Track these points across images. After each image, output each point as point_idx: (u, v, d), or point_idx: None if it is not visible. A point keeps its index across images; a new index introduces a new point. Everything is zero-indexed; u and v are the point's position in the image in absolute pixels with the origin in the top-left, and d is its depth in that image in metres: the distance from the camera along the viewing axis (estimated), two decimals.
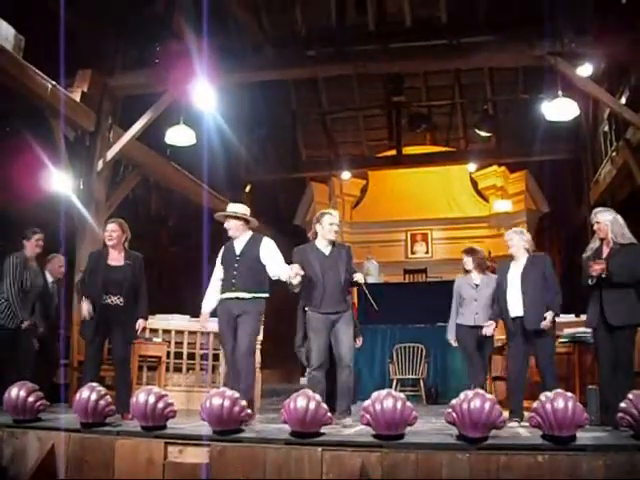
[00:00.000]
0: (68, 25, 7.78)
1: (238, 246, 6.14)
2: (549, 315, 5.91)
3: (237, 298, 5.91)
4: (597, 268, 5.50)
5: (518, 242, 6.27)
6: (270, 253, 6.07)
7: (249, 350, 5.85)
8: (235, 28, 12.01)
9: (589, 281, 5.64)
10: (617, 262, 5.53)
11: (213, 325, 7.37)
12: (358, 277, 6.08)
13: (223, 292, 6.03)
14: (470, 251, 7.23)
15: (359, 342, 6.71)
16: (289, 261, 5.98)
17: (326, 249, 6.13)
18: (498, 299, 6.38)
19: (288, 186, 16.66)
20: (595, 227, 5.85)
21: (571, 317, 7.58)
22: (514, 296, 6.14)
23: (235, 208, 6.28)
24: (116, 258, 6.27)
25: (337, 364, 5.92)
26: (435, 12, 12.15)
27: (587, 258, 5.78)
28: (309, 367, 6.03)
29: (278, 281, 6.08)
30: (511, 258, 6.37)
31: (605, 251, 5.73)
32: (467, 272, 7.20)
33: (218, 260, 6.22)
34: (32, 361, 6.76)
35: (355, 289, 6.69)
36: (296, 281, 5.80)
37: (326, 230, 6.10)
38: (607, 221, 5.75)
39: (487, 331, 6.40)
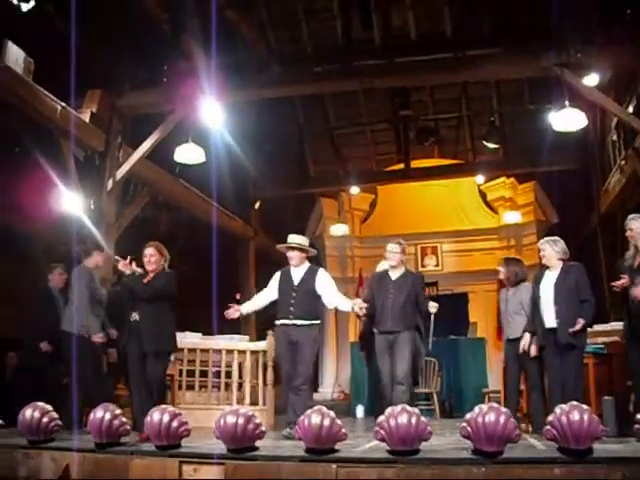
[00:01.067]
0: (77, 47, 7.83)
1: (296, 275, 6.53)
2: (580, 321, 5.80)
3: (294, 325, 6.31)
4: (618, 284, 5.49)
5: (550, 252, 6.18)
6: (326, 285, 6.51)
7: (310, 374, 6.45)
8: (242, 46, 12.08)
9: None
10: None
11: (225, 342, 7.41)
12: (432, 308, 6.53)
13: (280, 318, 6.42)
14: (504, 261, 7.05)
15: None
16: None
17: (393, 275, 6.66)
18: (532, 310, 6.26)
19: (297, 202, 16.67)
20: (627, 234, 5.82)
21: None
22: (547, 307, 6.04)
23: (298, 240, 6.68)
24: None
25: (393, 381, 6.38)
26: (440, 26, 12.19)
27: (627, 267, 5.74)
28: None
29: None
30: (545, 267, 6.28)
31: (638, 259, 5.69)
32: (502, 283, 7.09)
33: (274, 282, 6.61)
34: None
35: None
36: (361, 313, 6.44)
37: (386, 257, 6.76)
38: (639, 229, 5.72)
39: (524, 346, 6.28)
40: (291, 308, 6.35)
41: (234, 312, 6.57)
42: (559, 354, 5.91)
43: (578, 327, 5.79)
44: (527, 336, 6.25)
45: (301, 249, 6.58)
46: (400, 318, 6.48)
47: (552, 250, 6.17)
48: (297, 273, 6.54)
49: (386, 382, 6.46)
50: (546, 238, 6.44)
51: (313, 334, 6.36)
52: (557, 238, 6.32)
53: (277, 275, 6.68)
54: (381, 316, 6.54)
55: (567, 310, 5.90)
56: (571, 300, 5.93)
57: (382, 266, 7.09)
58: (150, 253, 6.27)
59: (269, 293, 6.65)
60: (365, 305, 6.37)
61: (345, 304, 6.50)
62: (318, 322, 6.44)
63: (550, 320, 6.00)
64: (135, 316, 6.07)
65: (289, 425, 6.04)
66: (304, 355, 6.27)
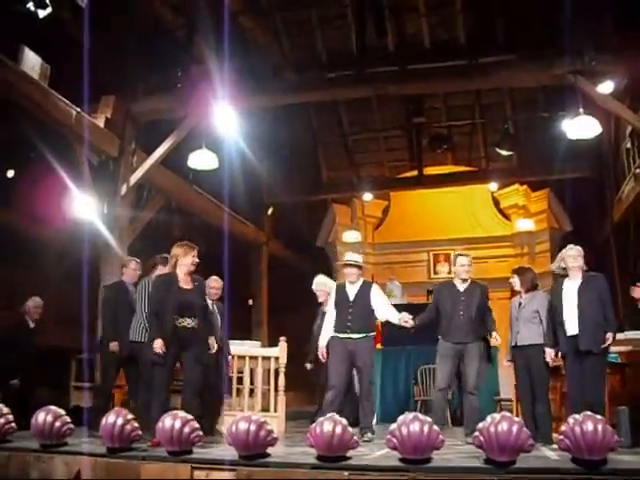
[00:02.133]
0: (92, 53, 7.90)
1: (351, 291, 6.83)
2: (609, 336, 5.80)
3: (350, 338, 6.63)
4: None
5: (573, 261, 6.14)
6: (379, 299, 6.87)
7: (369, 382, 6.70)
8: (256, 52, 12.13)
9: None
10: None
11: (237, 348, 7.40)
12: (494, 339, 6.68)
13: (337, 332, 6.73)
14: (516, 271, 6.95)
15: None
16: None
17: (461, 286, 6.74)
18: (552, 318, 6.20)
19: (310, 208, 16.69)
20: None
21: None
22: (570, 314, 6.00)
23: (355, 257, 7.01)
24: (186, 281, 6.12)
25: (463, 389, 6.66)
26: (454, 33, 12.21)
27: None
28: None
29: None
30: (563, 276, 6.25)
31: None
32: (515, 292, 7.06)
33: (331, 302, 6.92)
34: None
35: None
36: (409, 325, 6.68)
37: (458, 270, 6.82)
38: None
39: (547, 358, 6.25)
40: (348, 323, 6.68)
41: (323, 355, 6.87)
42: (580, 361, 5.89)
43: (608, 343, 5.82)
44: (549, 350, 6.22)
45: (359, 266, 6.89)
46: (471, 329, 6.59)
47: (575, 259, 6.16)
48: (352, 289, 6.85)
49: (442, 387, 6.62)
50: (570, 246, 6.35)
51: (370, 344, 6.73)
52: (579, 248, 6.26)
53: (333, 292, 7.04)
54: (449, 326, 6.63)
55: (590, 317, 5.87)
56: (593, 308, 5.91)
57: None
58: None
59: (333, 313, 6.89)
60: (410, 317, 6.69)
61: (394, 316, 6.81)
62: (374, 334, 6.81)
63: (572, 327, 5.96)
64: (191, 323, 5.94)
65: (362, 430, 6.47)
66: (364, 364, 6.63)
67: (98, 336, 7.52)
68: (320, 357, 6.95)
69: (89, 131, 8.86)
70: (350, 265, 6.89)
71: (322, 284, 8.02)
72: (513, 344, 6.60)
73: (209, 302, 7.08)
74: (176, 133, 9.93)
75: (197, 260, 6.19)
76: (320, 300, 7.99)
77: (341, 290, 6.93)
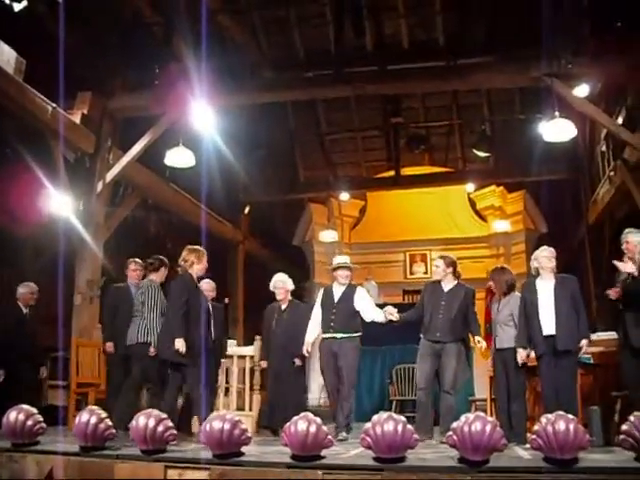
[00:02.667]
0: (68, 48, 7.82)
1: (337, 293, 7.07)
2: (584, 343, 5.89)
3: (334, 338, 6.86)
4: (612, 294, 5.54)
5: (548, 262, 6.20)
6: (364, 302, 7.04)
7: (352, 381, 6.85)
8: (234, 50, 12.08)
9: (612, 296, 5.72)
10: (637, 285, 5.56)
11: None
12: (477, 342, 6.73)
13: (323, 332, 7.00)
14: (493, 272, 7.07)
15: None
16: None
17: (446, 287, 6.89)
18: (526, 319, 6.23)
19: (286, 207, 16.68)
20: (623, 247, 5.88)
21: None
22: (546, 314, 6.05)
23: (345, 259, 7.33)
24: None
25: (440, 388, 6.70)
26: (432, 34, 12.23)
27: (622, 279, 5.81)
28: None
29: None
30: (534, 276, 6.30)
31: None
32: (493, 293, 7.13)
33: (318, 302, 7.18)
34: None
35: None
36: (395, 318, 6.85)
37: (433, 271, 7.22)
38: (637, 242, 5.77)
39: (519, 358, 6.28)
40: (332, 323, 6.91)
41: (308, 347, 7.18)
42: (554, 361, 5.94)
43: (584, 350, 5.93)
44: (521, 352, 6.25)
45: (349, 268, 7.15)
46: (449, 329, 6.66)
47: (548, 260, 6.22)
48: (338, 291, 7.09)
49: (422, 386, 6.71)
50: (541, 248, 6.44)
51: (353, 344, 6.87)
52: (552, 249, 6.33)
53: (320, 293, 7.30)
54: (429, 325, 6.73)
55: (566, 318, 5.94)
56: (569, 309, 5.98)
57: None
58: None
59: (318, 313, 7.15)
60: (394, 310, 6.89)
61: (379, 316, 6.96)
62: (357, 334, 6.92)
63: (549, 327, 6.01)
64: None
65: (338, 429, 6.60)
66: (346, 364, 6.78)
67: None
68: (304, 352, 7.20)
69: (65, 127, 8.77)
70: (342, 267, 7.12)
71: (281, 282, 8.02)
72: (494, 348, 6.66)
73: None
74: (153, 130, 9.87)
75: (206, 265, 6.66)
76: (278, 298, 7.99)
77: (328, 291, 7.18)
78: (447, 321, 6.67)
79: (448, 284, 6.92)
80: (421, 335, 6.84)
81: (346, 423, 6.72)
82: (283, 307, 7.96)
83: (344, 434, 6.56)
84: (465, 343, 6.83)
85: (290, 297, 8.07)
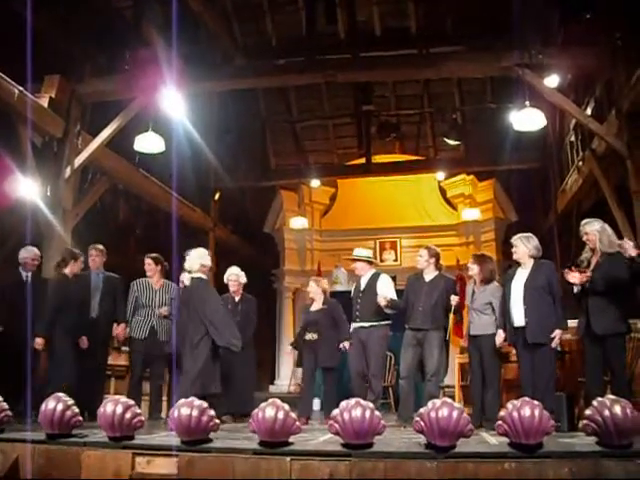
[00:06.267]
0: (36, 30, 7.70)
1: (363, 283, 7.39)
2: (557, 334, 5.93)
3: (361, 327, 7.18)
4: (578, 277, 5.60)
5: (523, 249, 6.22)
6: (383, 287, 7.24)
7: (377, 369, 7.13)
8: (205, 36, 12.00)
9: (574, 289, 5.75)
10: (601, 272, 5.62)
11: None
12: (453, 301, 6.82)
13: (353, 321, 7.32)
14: (477, 258, 7.00)
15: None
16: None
17: (427, 277, 7.04)
18: (501, 308, 6.30)
19: (257, 194, 16.66)
20: (584, 238, 5.93)
21: None
22: (516, 306, 6.09)
23: (360, 252, 7.57)
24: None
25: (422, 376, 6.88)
26: (405, 22, 12.27)
27: (582, 269, 5.87)
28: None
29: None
30: (517, 264, 6.33)
31: (594, 261, 5.81)
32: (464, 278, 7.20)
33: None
34: None
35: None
36: (382, 304, 6.96)
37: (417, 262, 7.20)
38: (595, 231, 5.82)
39: (497, 341, 6.35)
40: (357, 312, 7.25)
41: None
42: (529, 351, 5.99)
43: (557, 341, 5.96)
44: (500, 332, 6.31)
45: (362, 260, 7.44)
46: (430, 316, 6.79)
47: (525, 247, 6.22)
48: (364, 280, 7.39)
49: (404, 375, 6.85)
50: (520, 234, 6.43)
51: (380, 333, 7.13)
52: (530, 235, 6.33)
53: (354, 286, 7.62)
54: (411, 313, 6.89)
55: (536, 310, 5.96)
56: (541, 299, 6.00)
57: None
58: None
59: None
60: (386, 296, 6.98)
61: (380, 300, 7.04)
62: (385, 322, 7.17)
63: (519, 319, 6.06)
64: (313, 336, 7.68)
65: None
66: (372, 352, 7.05)
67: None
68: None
69: (32, 111, 8.63)
70: (357, 260, 7.44)
71: (235, 275, 8.03)
72: (468, 334, 6.71)
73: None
74: (122, 115, 9.77)
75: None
76: (232, 290, 8.03)
77: (357, 282, 7.54)
78: (427, 309, 6.79)
79: (429, 274, 7.05)
80: (405, 325, 6.99)
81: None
82: (237, 299, 7.98)
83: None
84: (446, 331, 6.92)
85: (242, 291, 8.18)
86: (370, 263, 7.51)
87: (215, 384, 6.45)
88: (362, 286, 7.38)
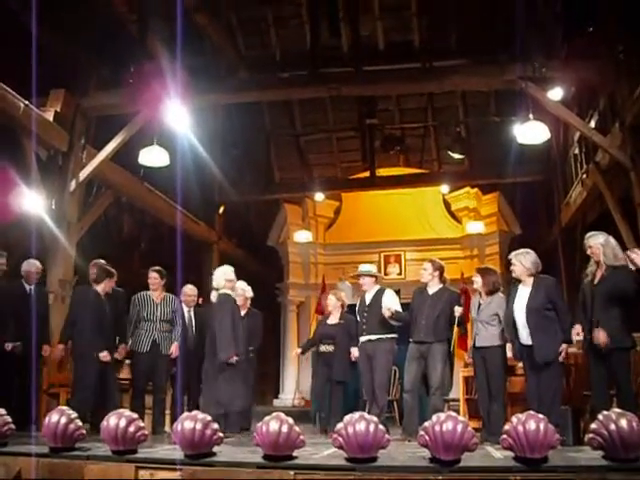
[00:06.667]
0: (42, 45, 7.74)
1: (368, 297, 7.49)
2: (563, 348, 5.91)
3: (369, 340, 7.27)
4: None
5: (520, 268, 6.19)
6: (387, 300, 7.31)
7: (382, 382, 7.20)
8: (210, 50, 12.06)
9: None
10: (606, 285, 5.60)
11: None
12: (457, 312, 6.89)
13: (360, 335, 7.40)
14: (480, 272, 7.04)
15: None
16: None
17: (431, 290, 7.09)
18: (506, 324, 6.27)
19: (261, 207, 16.68)
20: (588, 252, 5.91)
21: None
22: (522, 326, 6.06)
23: (367, 268, 7.74)
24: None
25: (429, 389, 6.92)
26: (408, 36, 12.30)
27: (587, 283, 5.86)
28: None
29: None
30: (518, 281, 6.29)
31: (599, 274, 5.78)
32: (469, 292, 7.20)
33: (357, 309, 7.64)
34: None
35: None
36: (386, 315, 7.04)
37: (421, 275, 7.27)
38: (599, 244, 5.80)
39: (509, 354, 6.36)
40: (364, 326, 7.34)
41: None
42: (537, 368, 5.96)
43: (564, 354, 5.93)
44: (509, 346, 6.30)
45: (370, 275, 7.57)
46: (432, 330, 6.82)
47: (522, 266, 6.17)
48: (369, 296, 7.49)
49: (408, 389, 6.89)
50: (517, 251, 6.39)
51: (386, 346, 7.22)
52: (528, 250, 6.28)
53: (358, 301, 7.72)
54: (415, 327, 6.94)
55: (540, 331, 5.92)
56: (545, 319, 5.96)
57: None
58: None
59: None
60: (390, 307, 7.08)
61: (385, 311, 7.15)
62: (391, 336, 7.25)
63: (525, 338, 6.04)
64: (327, 348, 7.99)
65: None
66: (379, 365, 7.15)
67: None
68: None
69: (37, 125, 8.67)
70: (361, 276, 7.56)
71: (240, 289, 8.03)
72: (473, 344, 6.69)
73: (185, 310, 8.06)
74: (127, 129, 9.81)
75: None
76: (238, 304, 7.98)
77: (362, 297, 7.62)
78: (430, 322, 6.83)
79: (433, 287, 7.10)
80: (409, 339, 7.02)
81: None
82: (242, 313, 7.95)
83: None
84: (449, 344, 6.93)
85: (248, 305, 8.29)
86: (375, 278, 7.61)
87: (238, 401, 6.69)
88: (368, 300, 7.46)
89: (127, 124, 9.80)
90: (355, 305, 7.86)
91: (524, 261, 6.21)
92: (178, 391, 7.43)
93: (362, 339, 7.35)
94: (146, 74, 9.09)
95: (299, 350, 8.98)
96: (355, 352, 7.59)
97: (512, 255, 6.38)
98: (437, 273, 7.10)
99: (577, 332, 5.89)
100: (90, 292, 7.08)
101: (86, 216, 10.04)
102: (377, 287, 7.54)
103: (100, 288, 7.09)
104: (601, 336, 5.52)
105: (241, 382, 6.85)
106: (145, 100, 9.16)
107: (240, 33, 12.56)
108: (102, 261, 7.33)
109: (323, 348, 8.12)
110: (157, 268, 7.69)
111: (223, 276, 7.04)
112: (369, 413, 6.39)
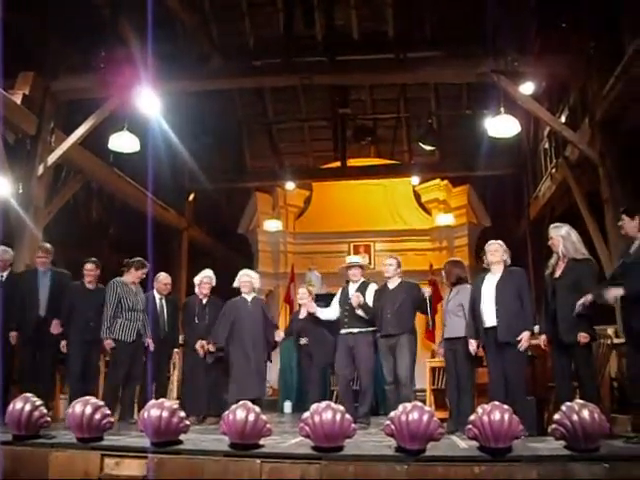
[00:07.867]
0: (10, 26, 7.62)
1: (351, 290, 7.41)
2: (525, 335, 5.92)
3: (350, 333, 7.22)
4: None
5: (501, 253, 6.24)
6: (370, 294, 7.29)
7: (368, 370, 7.17)
8: (183, 36, 11.96)
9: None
10: (567, 278, 5.65)
11: None
12: (426, 293, 7.10)
13: (341, 328, 7.36)
14: (447, 263, 7.16)
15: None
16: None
17: (391, 285, 7.18)
18: (472, 310, 6.31)
19: (232, 195, 16.60)
20: (549, 242, 5.96)
21: None
22: (488, 307, 6.11)
23: (355, 259, 7.84)
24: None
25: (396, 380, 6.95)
26: (382, 26, 12.28)
27: (548, 274, 5.91)
28: None
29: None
30: (486, 270, 6.35)
31: (560, 266, 5.83)
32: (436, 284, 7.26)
33: (336, 299, 7.62)
34: None
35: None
36: (354, 303, 7.11)
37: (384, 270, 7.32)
38: (559, 236, 5.83)
39: (471, 349, 6.35)
40: (345, 319, 7.30)
41: None
42: (500, 352, 6.01)
43: (525, 343, 5.94)
44: (472, 342, 6.33)
45: (361, 266, 7.56)
46: (397, 323, 6.90)
47: (503, 252, 6.27)
48: (353, 288, 7.43)
49: (389, 380, 6.96)
50: (496, 241, 6.44)
51: (368, 339, 7.17)
52: (501, 243, 6.40)
53: (338, 292, 7.68)
54: (381, 322, 7.01)
55: (507, 310, 5.99)
56: (512, 302, 6.03)
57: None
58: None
59: (335, 306, 7.64)
60: (359, 295, 7.15)
61: (353, 299, 7.22)
62: (372, 329, 7.15)
63: (490, 319, 6.09)
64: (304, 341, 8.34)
65: (358, 420, 6.64)
66: (361, 358, 7.12)
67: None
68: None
69: (5, 108, 8.55)
70: (353, 266, 7.52)
71: (207, 277, 7.99)
72: (443, 336, 6.76)
73: (157, 297, 7.92)
74: (97, 114, 9.71)
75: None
76: (203, 292, 7.93)
77: (344, 289, 7.58)
78: (394, 315, 6.90)
79: (393, 282, 7.18)
80: (378, 334, 7.09)
81: (364, 413, 7.02)
82: (204, 302, 7.90)
83: (364, 424, 6.79)
84: (415, 335, 7.04)
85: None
86: (363, 269, 7.60)
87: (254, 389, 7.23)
88: (350, 293, 7.40)
89: (98, 109, 9.69)
90: (324, 294, 7.92)
91: (504, 248, 6.31)
92: (148, 380, 7.37)
93: (343, 331, 7.32)
94: (117, 59, 9.01)
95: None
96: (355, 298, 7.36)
97: (494, 242, 6.40)
98: (399, 270, 7.24)
99: (544, 343, 5.99)
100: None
101: (54, 201, 9.93)
102: (362, 280, 7.50)
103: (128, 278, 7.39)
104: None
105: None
106: (116, 85, 9.08)
107: (213, 19, 12.44)
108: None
109: (302, 341, 8.40)
110: (93, 259, 7.58)
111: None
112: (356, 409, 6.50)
